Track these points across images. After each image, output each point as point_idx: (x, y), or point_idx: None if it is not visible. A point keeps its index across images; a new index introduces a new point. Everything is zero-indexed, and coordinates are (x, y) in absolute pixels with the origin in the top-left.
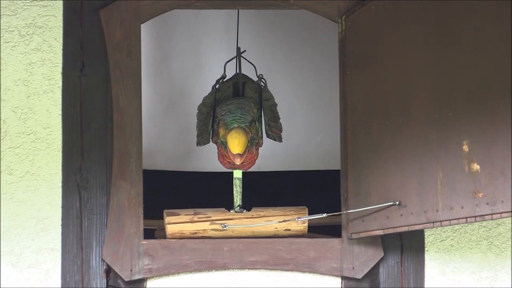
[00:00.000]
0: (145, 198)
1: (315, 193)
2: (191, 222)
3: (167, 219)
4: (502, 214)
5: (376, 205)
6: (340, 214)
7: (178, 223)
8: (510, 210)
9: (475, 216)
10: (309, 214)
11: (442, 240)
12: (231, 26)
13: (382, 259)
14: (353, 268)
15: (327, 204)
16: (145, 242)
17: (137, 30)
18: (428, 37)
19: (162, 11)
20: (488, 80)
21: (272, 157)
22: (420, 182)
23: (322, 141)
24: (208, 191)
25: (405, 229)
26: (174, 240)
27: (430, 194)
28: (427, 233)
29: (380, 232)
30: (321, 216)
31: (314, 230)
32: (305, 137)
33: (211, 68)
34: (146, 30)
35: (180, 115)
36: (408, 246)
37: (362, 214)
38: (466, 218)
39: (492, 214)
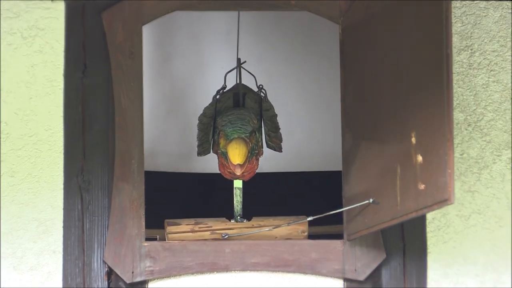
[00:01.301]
0: (146, 200)
1: (319, 194)
2: (191, 232)
3: (168, 228)
4: (439, 204)
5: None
6: (324, 218)
7: (178, 233)
8: (442, 200)
9: (422, 209)
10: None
11: (444, 242)
12: (232, 28)
13: (384, 261)
14: (355, 270)
15: (331, 206)
16: (146, 244)
17: (139, 32)
18: (390, 36)
19: (164, 12)
20: (426, 75)
21: (274, 158)
22: (387, 177)
23: (324, 141)
24: (209, 193)
25: (379, 227)
26: (176, 242)
27: (392, 190)
28: (429, 235)
29: (365, 232)
30: (307, 220)
31: (316, 239)
32: (306, 138)
33: (212, 69)
34: (147, 31)
35: (182, 116)
36: (411, 248)
37: (353, 215)
38: (417, 211)
39: (432, 206)
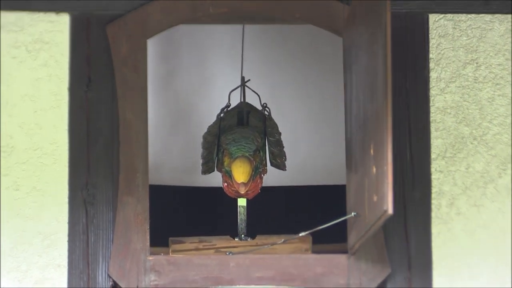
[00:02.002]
0: (150, 214)
1: (324, 208)
2: (196, 250)
3: (172, 246)
4: (384, 216)
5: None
6: (329, 236)
7: (183, 251)
8: (383, 211)
9: (376, 221)
10: (313, 233)
11: (450, 257)
12: (236, 42)
13: (389, 275)
14: (360, 284)
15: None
16: (151, 257)
17: (143, 46)
18: (366, 46)
19: (168, 26)
20: (379, 84)
21: (278, 172)
22: (362, 190)
23: (329, 155)
24: (214, 206)
25: (360, 242)
26: (181, 255)
27: (362, 203)
28: (434, 249)
29: (356, 246)
30: (299, 236)
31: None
32: (311, 151)
33: (217, 83)
34: (152, 45)
35: (186, 130)
36: (416, 262)
37: (350, 229)
38: (373, 224)
39: (380, 217)
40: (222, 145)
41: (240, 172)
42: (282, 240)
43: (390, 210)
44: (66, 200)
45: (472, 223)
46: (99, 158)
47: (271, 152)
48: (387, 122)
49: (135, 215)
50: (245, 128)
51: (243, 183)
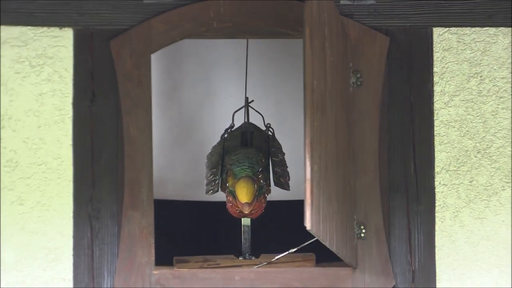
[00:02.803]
0: (155, 228)
1: None
2: (200, 269)
3: (177, 266)
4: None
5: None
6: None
7: (187, 270)
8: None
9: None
10: (317, 248)
11: (453, 269)
12: (240, 56)
13: None
14: None
15: None
16: (156, 271)
17: (147, 60)
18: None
19: (172, 41)
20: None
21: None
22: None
23: None
24: (217, 221)
25: (342, 256)
26: (186, 269)
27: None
28: (438, 262)
29: (346, 261)
30: (290, 252)
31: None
32: None
33: (221, 97)
34: (156, 60)
35: (190, 145)
36: (420, 275)
37: None
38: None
39: None
40: (226, 166)
41: (244, 193)
42: (275, 257)
43: (308, 226)
44: (71, 214)
45: (476, 236)
46: (103, 172)
47: (274, 172)
48: (306, 138)
49: (140, 229)
50: (249, 148)
51: (247, 203)
